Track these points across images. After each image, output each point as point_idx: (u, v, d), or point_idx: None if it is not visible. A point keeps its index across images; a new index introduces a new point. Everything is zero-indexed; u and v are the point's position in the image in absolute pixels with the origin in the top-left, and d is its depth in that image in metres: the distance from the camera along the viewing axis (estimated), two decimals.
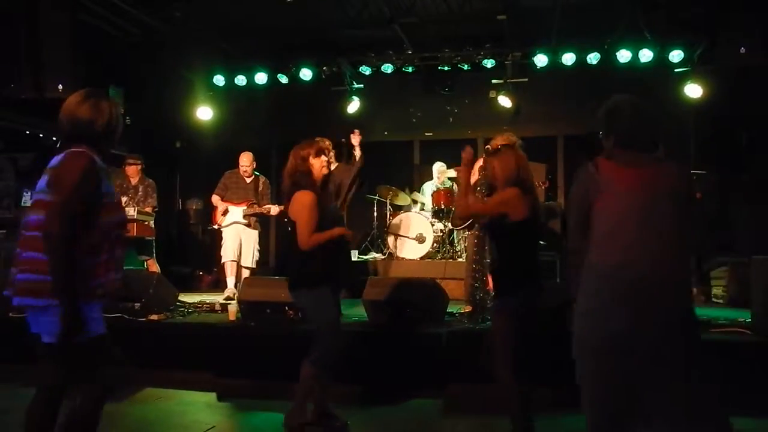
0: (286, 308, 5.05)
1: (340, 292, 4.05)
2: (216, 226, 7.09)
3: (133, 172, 7.25)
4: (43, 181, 2.56)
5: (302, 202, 3.69)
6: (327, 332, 3.70)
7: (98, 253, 2.54)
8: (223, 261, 7.06)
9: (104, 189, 2.58)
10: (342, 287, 4.08)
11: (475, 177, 6.04)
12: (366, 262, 8.35)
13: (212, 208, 7.22)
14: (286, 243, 3.98)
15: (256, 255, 7.05)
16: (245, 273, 6.91)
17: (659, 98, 8.20)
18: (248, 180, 7.05)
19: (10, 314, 5.20)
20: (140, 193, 7.21)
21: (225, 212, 6.96)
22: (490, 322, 3.73)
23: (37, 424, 2.55)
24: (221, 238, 7.10)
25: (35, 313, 2.50)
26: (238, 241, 6.94)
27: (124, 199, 6.79)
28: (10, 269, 2.61)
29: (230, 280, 6.96)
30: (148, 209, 7.19)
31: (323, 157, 3.84)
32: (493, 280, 3.60)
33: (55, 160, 2.57)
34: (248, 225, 6.93)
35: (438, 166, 8.54)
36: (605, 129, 2.69)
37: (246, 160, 7.02)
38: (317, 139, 3.88)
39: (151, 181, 7.37)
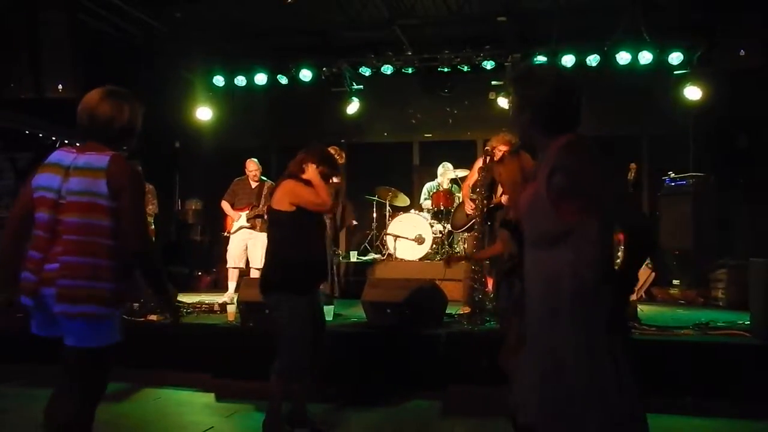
0: None
1: (319, 293, 3.94)
2: (227, 233, 7.27)
3: None
4: (95, 185, 2.44)
5: (288, 186, 3.65)
6: (293, 344, 3.54)
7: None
8: (228, 266, 7.22)
9: None
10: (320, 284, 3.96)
11: (474, 178, 6.04)
12: (365, 263, 8.35)
13: (222, 215, 7.38)
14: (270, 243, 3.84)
15: None
16: (255, 274, 6.95)
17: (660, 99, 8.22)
18: (253, 185, 7.22)
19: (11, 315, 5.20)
20: None
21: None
22: (505, 322, 3.56)
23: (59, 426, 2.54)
24: (228, 244, 7.27)
25: (84, 321, 2.41)
26: (243, 247, 7.09)
27: None
28: (26, 275, 2.47)
29: (231, 285, 7.09)
30: (149, 212, 7.26)
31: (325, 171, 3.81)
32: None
33: (101, 160, 2.46)
34: (253, 227, 7.06)
35: (444, 167, 8.51)
36: (523, 103, 2.22)
37: (253, 166, 7.25)
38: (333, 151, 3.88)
39: (151, 186, 7.41)
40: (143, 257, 2.49)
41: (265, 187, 7.18)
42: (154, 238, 7.35)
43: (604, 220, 2.07)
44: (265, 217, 6.96)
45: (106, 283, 2.43)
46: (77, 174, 2.47)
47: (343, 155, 6.55)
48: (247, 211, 7.07)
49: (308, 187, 3.64)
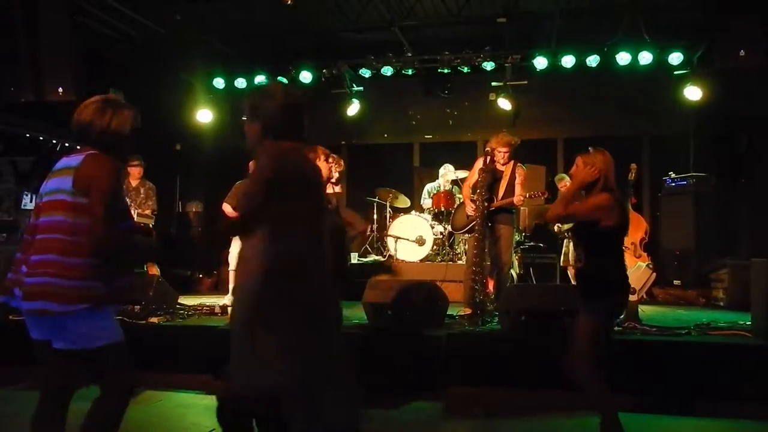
0: None
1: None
2: None
3: (135, 173, 7.31)
4: (64, 182, 2.45)
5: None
6: None
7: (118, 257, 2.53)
8: (229, 268, 7.15)
9: (121, 194, 2.62)
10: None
11: (474, 179, 6.04)
12: (365, 264, 8.35)
13: (224, 218, 7.29)
14: None
15: None
16: None
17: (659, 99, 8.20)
18: None
19: (10, 317, 5.20)
20: (142, 196, 7.28)
21: None
22: (579, 323, 3.36)
23: (44, 430, 2.53)
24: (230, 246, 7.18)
25: (51, 318, 2.38)
26: None
27: None
28: (9, 275, 2.52)
29: (232, 287, 7.02)
30: (148, 212, 7.27)
31: (327, 163, 3.80)
32: (579, 282, 3.52)
33: (75, 161, 2.48)
34: None
35: (445, 168, 8.51)
36: (254, 113, 2.55)
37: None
38: (319, 146, 3.83)
39: (151, 184, 7.44)
40: (98, 245, 2.38)
41: None
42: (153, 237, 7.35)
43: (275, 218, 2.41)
44: None
45: (57, 278, 2.36)
46: (54, 175, 2.52)
47: (342, 162, 6.53)
48: None
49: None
